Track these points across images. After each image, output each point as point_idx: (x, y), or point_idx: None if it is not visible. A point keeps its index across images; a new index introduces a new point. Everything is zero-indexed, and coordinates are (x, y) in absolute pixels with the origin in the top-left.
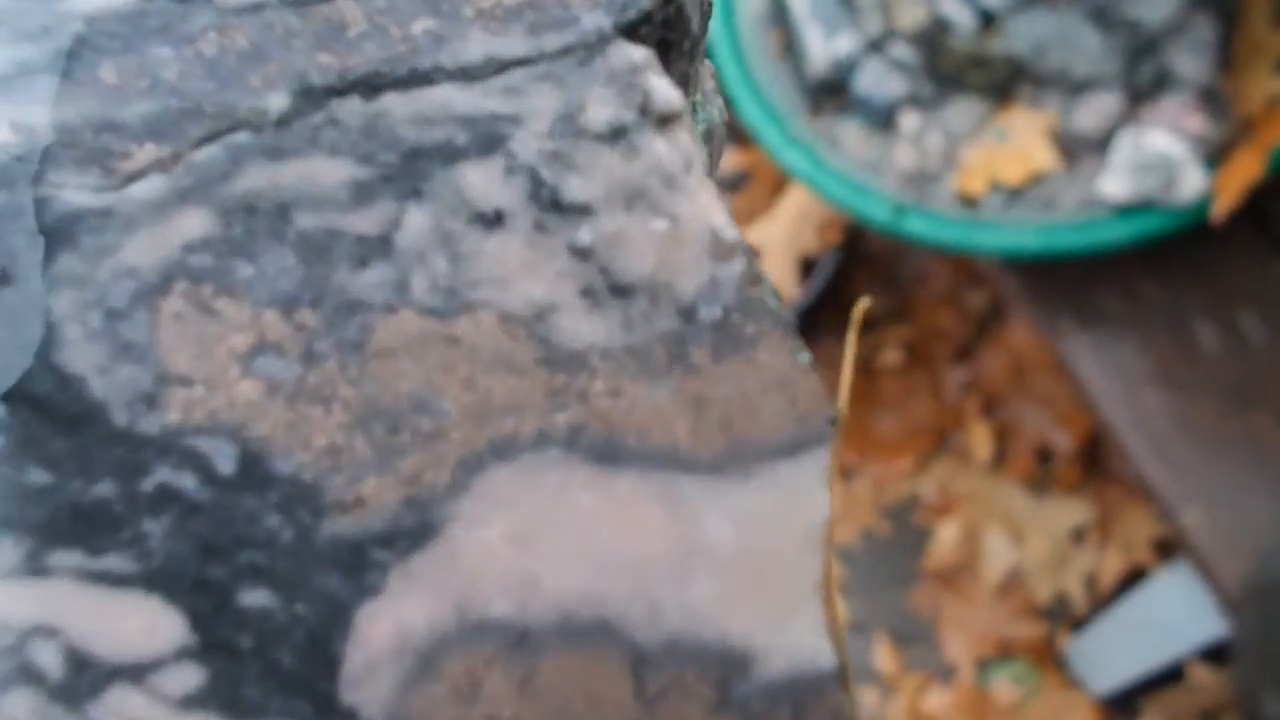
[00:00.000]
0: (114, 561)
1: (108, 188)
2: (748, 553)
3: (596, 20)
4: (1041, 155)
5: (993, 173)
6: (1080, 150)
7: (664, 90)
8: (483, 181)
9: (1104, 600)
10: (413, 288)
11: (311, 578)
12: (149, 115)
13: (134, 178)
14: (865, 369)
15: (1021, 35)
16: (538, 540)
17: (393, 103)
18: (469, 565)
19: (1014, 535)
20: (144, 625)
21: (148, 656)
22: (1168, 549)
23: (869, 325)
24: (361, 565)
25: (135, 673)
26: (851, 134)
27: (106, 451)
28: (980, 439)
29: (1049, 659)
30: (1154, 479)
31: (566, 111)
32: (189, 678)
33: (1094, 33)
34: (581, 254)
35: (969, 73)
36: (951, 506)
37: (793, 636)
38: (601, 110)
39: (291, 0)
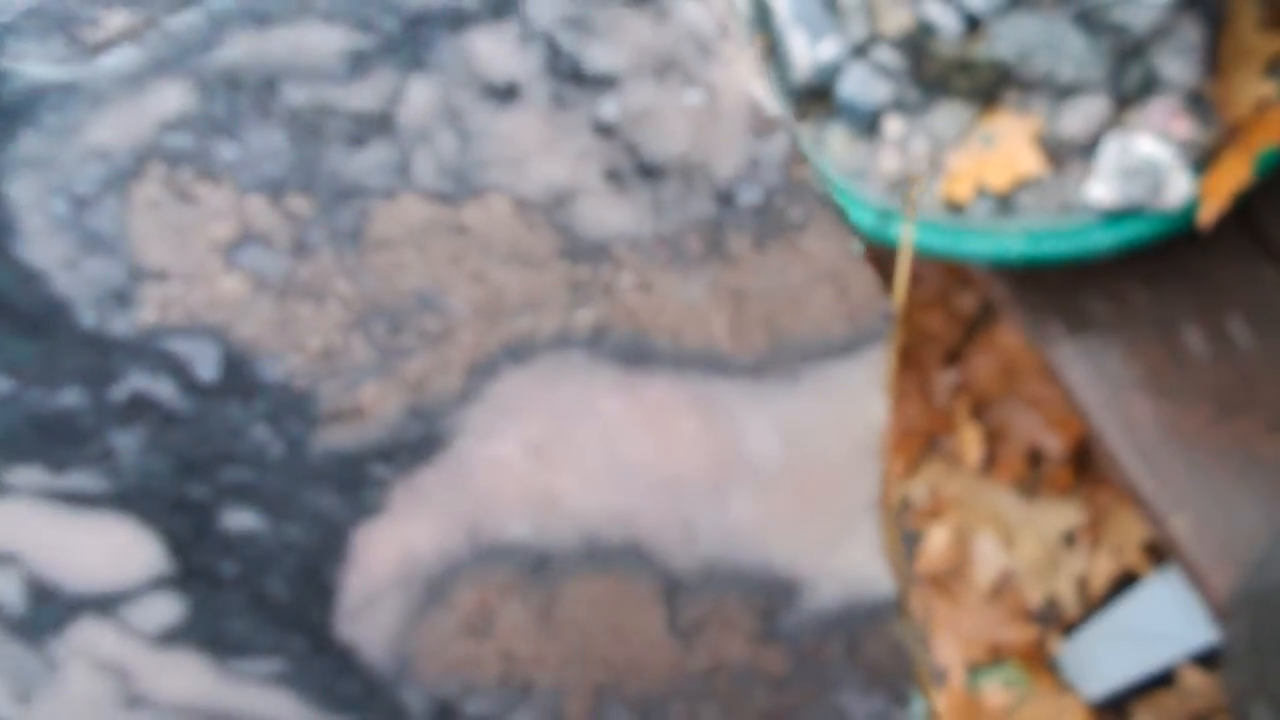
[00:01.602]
0: (80, 479)
1: (74, 59)
2: (794, 466)
3: None
4: (1028, 160)
5: (979, 178)
6: (1067, 155)
7: None
8: (494, 49)
9: (1095, 604)
10: (416, 170)
11: (304, 496)
12: None
13: (103, 48)
14: None
15: (1007, 39)
16: (558, 453)
17: None
18: (481, 482)
19: (1005, 538)
20: (114, 551)
21: (119, 586)
22: (1159, 552)
23: None
24: (360, 481)
25: (104, 604)
26: (836, 139)
27: (73, 356)
28: (970, 442)
29: (1040, 663)
30: (1142, 486)
31: None
32: (166, 610)
33: (1080, 37)
34: (605, 131)
35: (954, 77)
36: (941, 510)
37: (845, 560)
38: None
39: None
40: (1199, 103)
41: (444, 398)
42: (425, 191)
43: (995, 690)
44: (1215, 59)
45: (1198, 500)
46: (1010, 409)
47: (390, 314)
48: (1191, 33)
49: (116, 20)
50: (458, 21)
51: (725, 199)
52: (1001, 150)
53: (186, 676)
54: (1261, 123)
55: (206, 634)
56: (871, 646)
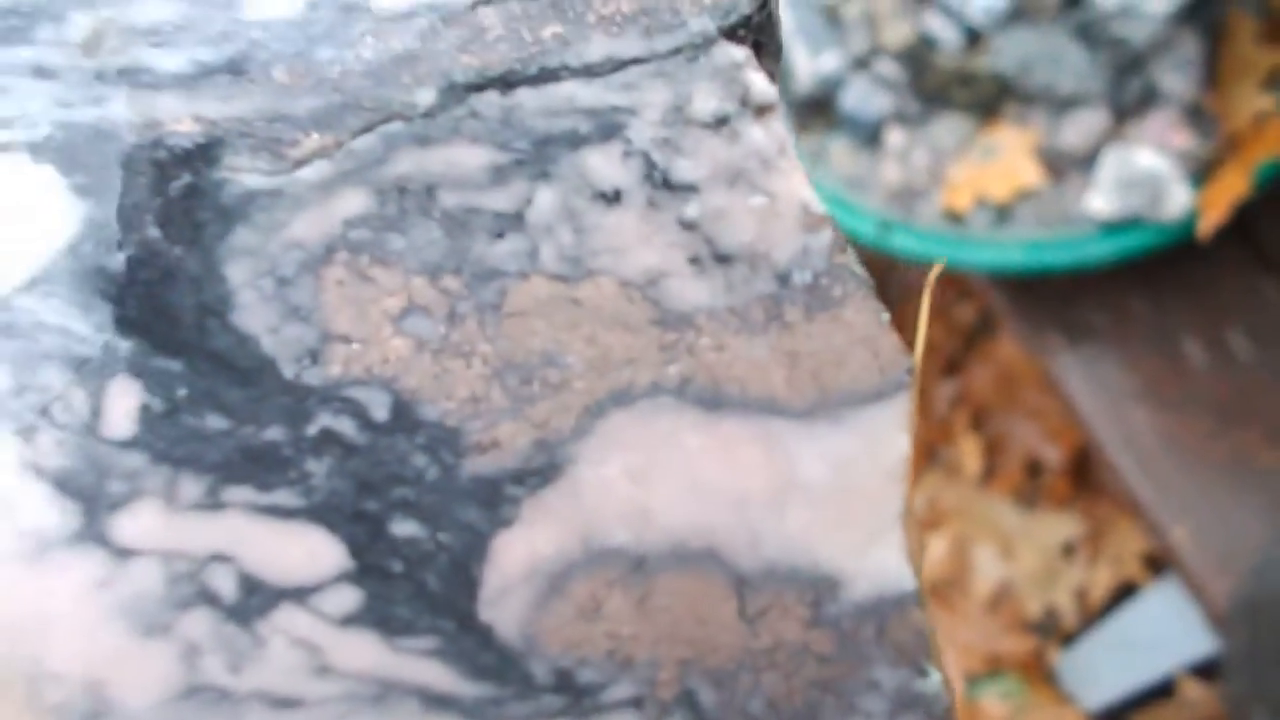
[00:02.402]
0: (282, 497)
1: (279, 171)
2: (837, 488)
3: (702, 24)
4: (1028, 172)
5: (979, 189)
6: (1066, 167)
7: (761, 84)
8: (603, 164)
9: (1094, 615)
10: (542, 256)
11: (454, 510)
12: (315, 109)
13: (302, 163)
14: None
15: (1007, 52)
16: (652, 477)
17: (525, 96)
18: (592, 499)
19: (1003, 549)
20: (308, 552)
21: (311, 580)
22: (1158, 563)
23: None
24: (497, 499)
25: (300, 594)
26: (838, 151)
27: (276, 401)
28: (969, 453)
29: (1039, 674)
30: (1142, 496)
31: (676, 103)
32: (347, 598)
33: (1079, 50)
34: (689, 226)
35: (955, 90)
36: (940, 521)
37: (877, 562)
38: (707, 102)
39: (439, 8)
40: (1198, 115)
41: (562, 434)
42: (549, 273)
43: (994, 701)
44: (1214, 72)
45: (1197, 510)
46: (1009, 420)
47: (521, 369)
48: (1190, 46)
49: (312, 142)
50: (575, 142)
51: (783, 279)
52: (1001, 162)
53: (363, 651)
54: (1260, 135)
55: (379, 617)
56: (897, 629)
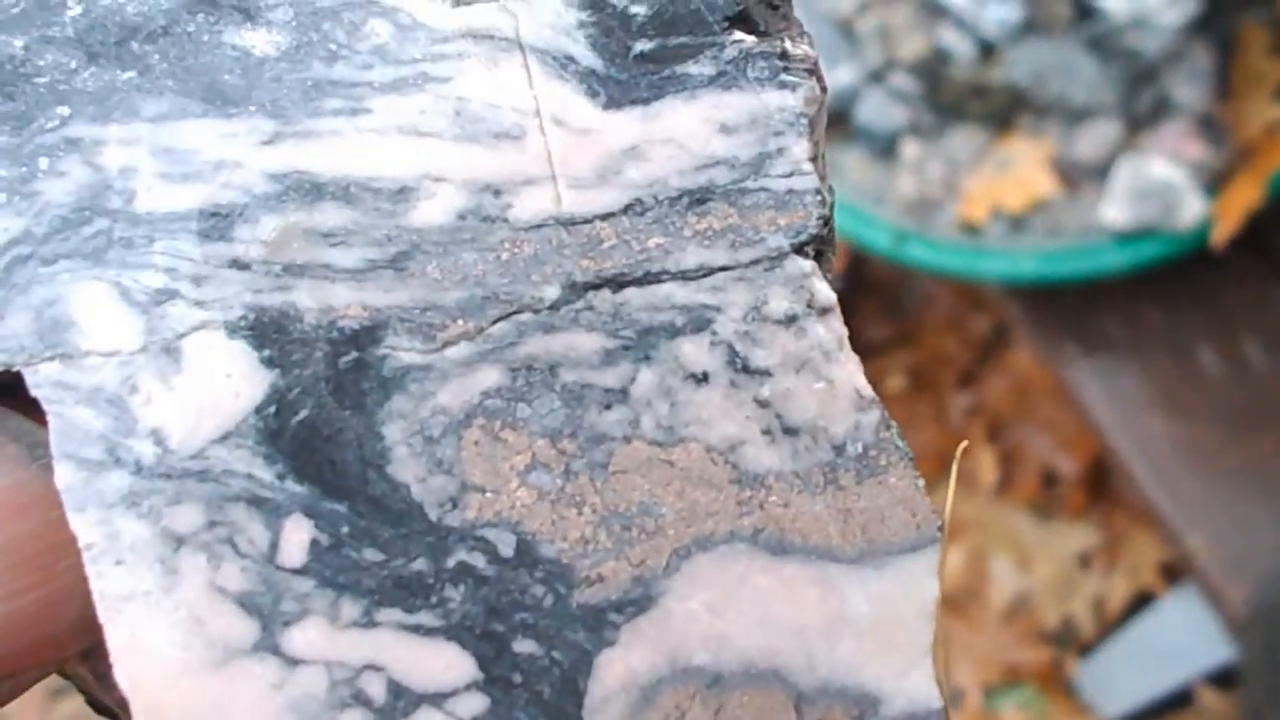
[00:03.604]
0: (424, 618)
1: (430, 350)
2: (880, 622)
3: (778, 240)
4: (1042, 183)
5: (994, 200)
6: (1081, 177)
7: (823, 290)
8: (694, 351)
9: (1111, 625)
10: (643, 425)
11: (565, 632)
12: (461, 300)
13: (449, 344)
14: None
15: (1021, 65)
16: (728, 609)
17: (632, 294)
18: (678, 626)
19: (1020, 560)
20: (445, 664)
21: (447, 687)
22: (1174, 573)
23: (872, 351)
24: (601, 624)
25: (437, 699)
26: (854, 163)
27: (422, 539)
28: (985, 464)
29: (1057, 684)
30: (1158, 504)
31: (755, 304)
32: (476, 703)
33: (1093, 62)
34: (763, 404)
35: (969, 102)
36: (957, 532)
37: (911, 684)
38: (780, 303)
39: (564, 221)
40: (1210, 126)
41: (656, 572)
42: (648, 439)
43: (1012, 712)
44: (1226, 83)
45: (1213, 517)
46: (1024, 431)
47: (623, 517)
48: (1202, 58)
49: (457, 327)
50: (672, 332)
51: (838, 449)
52: (1016, 173)
53: None
54: (1272, 145)
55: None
56: None
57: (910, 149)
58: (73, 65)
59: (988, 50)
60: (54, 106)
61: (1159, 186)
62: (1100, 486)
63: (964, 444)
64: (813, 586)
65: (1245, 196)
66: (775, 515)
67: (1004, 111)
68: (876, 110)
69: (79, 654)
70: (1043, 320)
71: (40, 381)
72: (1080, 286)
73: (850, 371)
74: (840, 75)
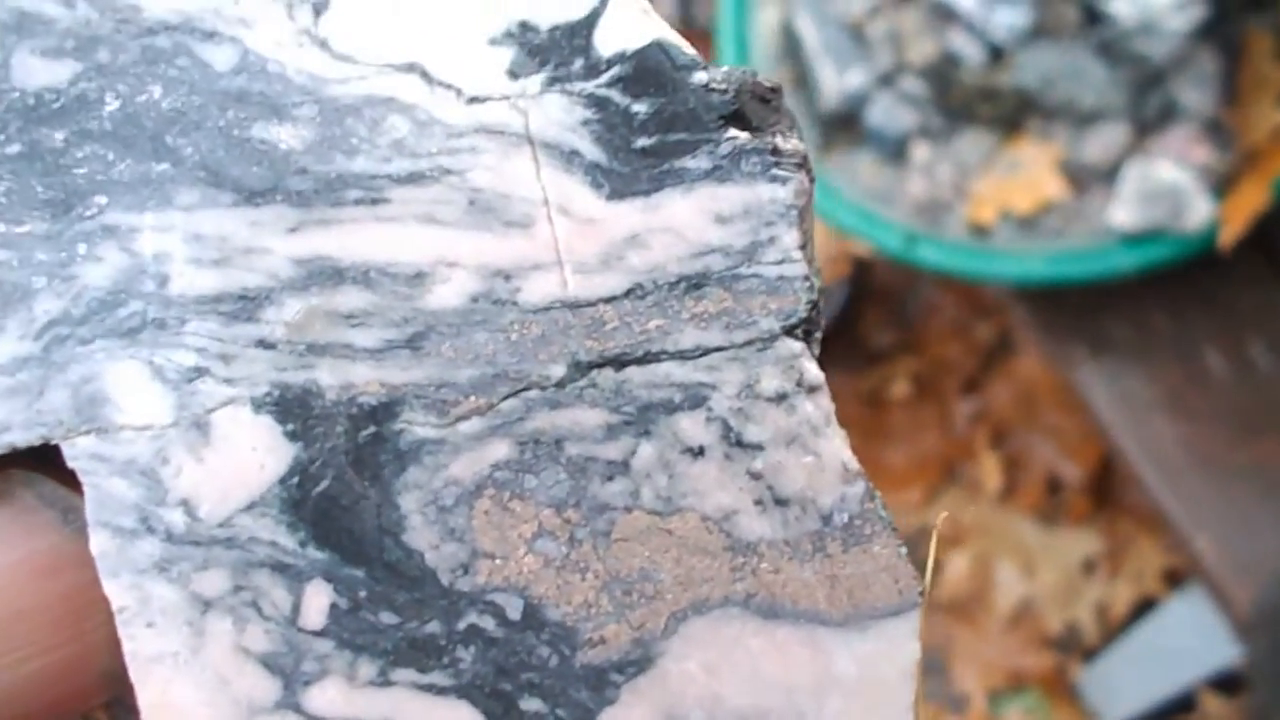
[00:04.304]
0: (437, 677)
1: (443, 425)
2: (865, 682)
3: (770, 323)
4: (1051, 185)
5: (1003, 202)
6: (1089, 180)
7: (812, 369)
8: (691, 426)
9: (1116, 630)
10: (643, 496)
11: (569, 692)
12: (473, 378)
13: (461, 419)
14: (874, 401)
15: (1030, 69)
16: (722, 670)
17: (633, 373)
18: (675, 686)
19: (1024, 566)
20: None
21: None
22: (1179, 579)
23: (877, 358)
24: (603, 684)
25: None
26: (864, 165)
27: (435, 603)
28: (989, 470)
29: (1061, 690)
30: (1165, 506)
31: (748, 382)
32: None
33: (1101, 66)
34: (755, 476)
35: (978, 105)
36: (961, 538)
37: None
38: (771, 382)
39: (569, 304)
40: (1217, 130)
41: (654, 634)
42: (647, 509)
43: (1016, 717)
44: (1233, 88)
45: (1219, 519)
46: (1029, 438)
47: (624, 582)
48: (1209, 63)
49: (469, 403)
50: (670, 409)
51: (826, 519)
52: (1025, 175)
53: None
54: (1278, 149)
55: None
56: None
57: (920, 151)
58: (110, 157)
59: (997, 54)
60: (92, 195)
61: (1166, 189)
62: (1104, 493)
63: (943, 515)
64: (802, 648)
65: (1252, 199)
66: (767, 581)
67: (1013, 115)
68: (887, 113)
69: (103, 704)
70: (1050, 322)
71: (77, 454)
72: (1087, 288)
73: (837, 446)
74: (851, 79)
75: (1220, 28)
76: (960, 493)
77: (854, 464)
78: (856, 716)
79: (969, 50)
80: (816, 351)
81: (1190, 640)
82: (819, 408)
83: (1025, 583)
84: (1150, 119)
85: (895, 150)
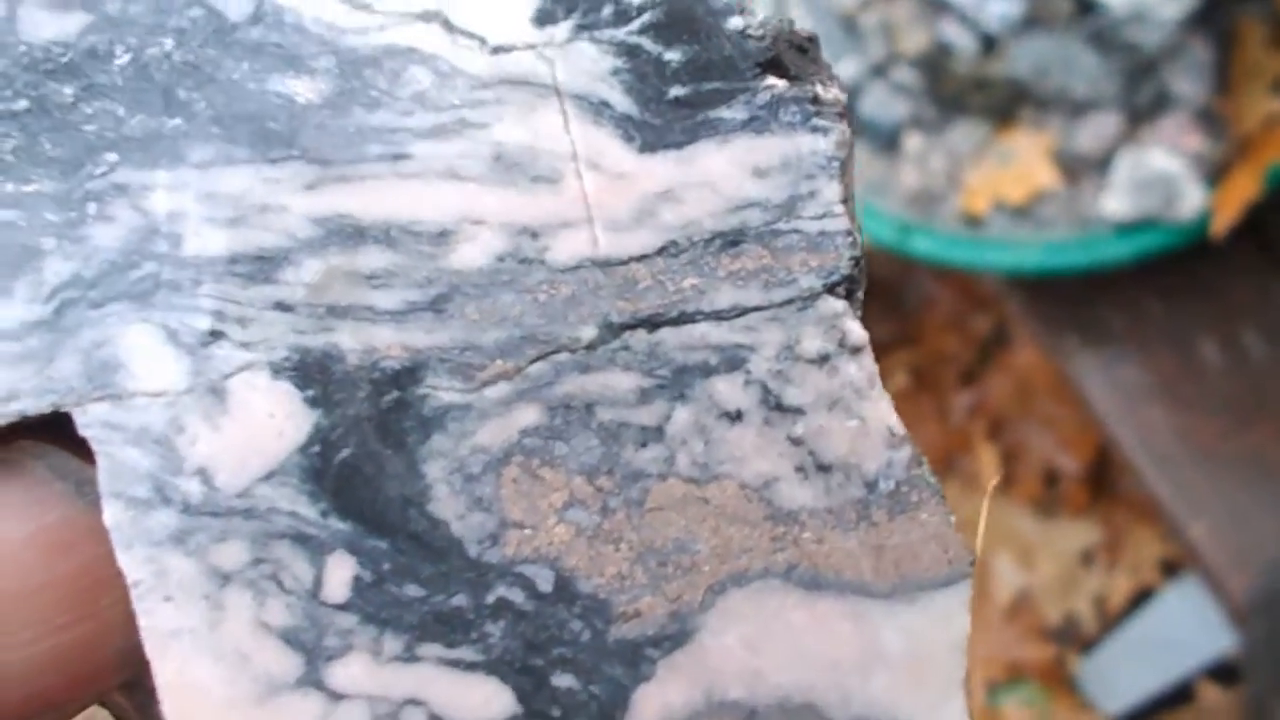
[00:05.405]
0: (464, 653)
1: (469, 390)
2: (913, 657)
3: (810, 281)
4: (1043, 175)
5: (996, 192)
6: (1081, 169)
7: (855, 329)
8: (728, 390)
9: (1113, 622)
10: (678, 463)
11: (603, 667)
12: (499, 340)
13: (488, 384)
14: None
15: (1022, 58)
16: (763, 645)
17: (667, 334)
18: (714, 662)
19: (1022, 558)
20: (484, 699)
21: None
22: (1176, 569)
23: (875, 350)
24: (638, 660)
25: None
26: (857, 156)
27: (462, 575)
28: (987, 462)
29: (1059, 681)
30: (1160, 495)
31: (788, 343)
32: None
33: (1093, 55)
34: (796, 441)
35: (971, 95)
36: (959, 529)
37: (943, 716)
38: (812, 343)
39: (600, 263)
40: (1209, 118)
41: (691, 607)
42: (683, 476)
43: (1014, 709)
44: (1225, 76)
45: (1214, 507)
46: (1026, 429)
47: (659, 553)
48: (1201, 51)
49: (496, 367)
50: (706, 371)
51: (870, 486)
52: (1018, 165)
53: None
54: (1270, 137)
55: None
56: None
57: (913, 142)
58: (121, 112)
59: (989, 44)
60: (102, 153)
61: (1159, 178)
62: (1102, 484)
63: (994, 481)
64: (846, 621)
65: (1244, 188)
66: (809, 551)
67: (1005, 105)
68: (879, 104)
69: (120, 685)
70: (1044, 312)
71: (89, 422)
72: (1081, 278)
73: (882, 409)
74: (843, 69)
75: (1212, 16)
76: (958, 484)
77: (900, 428)
78: (904, 693)
79: (961, 40)
80: (859, 311)
81: (1187, 630)
82: (862, 369)
83: (1023, 574)
84: (1143, 108)
85: (888, 140)
